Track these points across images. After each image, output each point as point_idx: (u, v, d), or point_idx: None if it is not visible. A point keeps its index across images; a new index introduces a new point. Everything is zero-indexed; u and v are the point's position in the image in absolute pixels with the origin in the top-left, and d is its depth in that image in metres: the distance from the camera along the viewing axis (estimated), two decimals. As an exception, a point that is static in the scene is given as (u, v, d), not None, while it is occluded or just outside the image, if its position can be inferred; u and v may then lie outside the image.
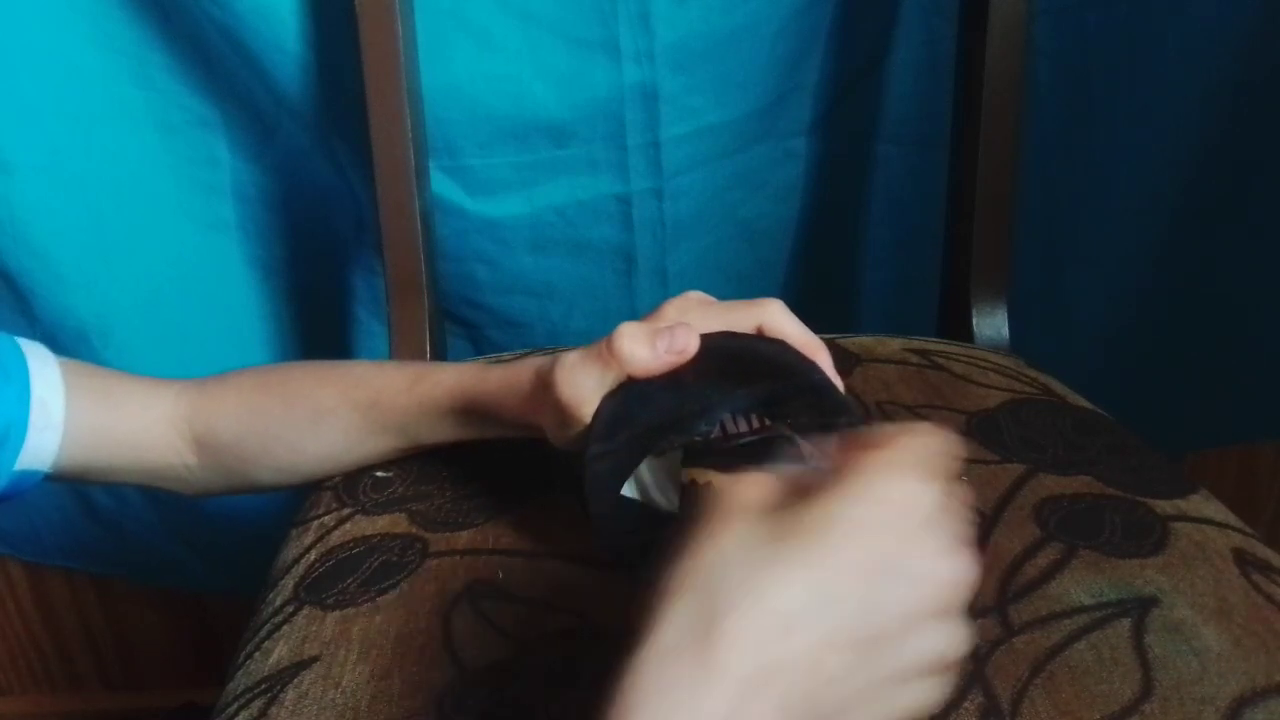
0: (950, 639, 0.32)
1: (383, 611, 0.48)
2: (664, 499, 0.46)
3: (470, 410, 0.53)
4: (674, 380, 0.45)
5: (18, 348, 0.54)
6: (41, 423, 0.53)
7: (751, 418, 0.46)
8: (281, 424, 0.57)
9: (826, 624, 0.30)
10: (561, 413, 0.46)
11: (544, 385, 0.47)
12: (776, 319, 0.47)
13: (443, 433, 0.55)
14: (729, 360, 0.45)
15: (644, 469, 0.46)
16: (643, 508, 0.46)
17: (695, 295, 0.49)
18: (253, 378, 0.60)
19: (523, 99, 0.78)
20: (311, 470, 0.59)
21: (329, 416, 0.56)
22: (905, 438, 0.32)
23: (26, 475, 0.54)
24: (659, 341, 0.44)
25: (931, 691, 0.32)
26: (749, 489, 0.33)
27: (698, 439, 0.44)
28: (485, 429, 0.54)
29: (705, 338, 0.45)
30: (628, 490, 0.45)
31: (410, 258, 0.73)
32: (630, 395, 0.45)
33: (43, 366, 0.54)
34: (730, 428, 0.46)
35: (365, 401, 0.56)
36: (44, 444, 0.53)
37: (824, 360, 0.47)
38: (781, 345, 0.47)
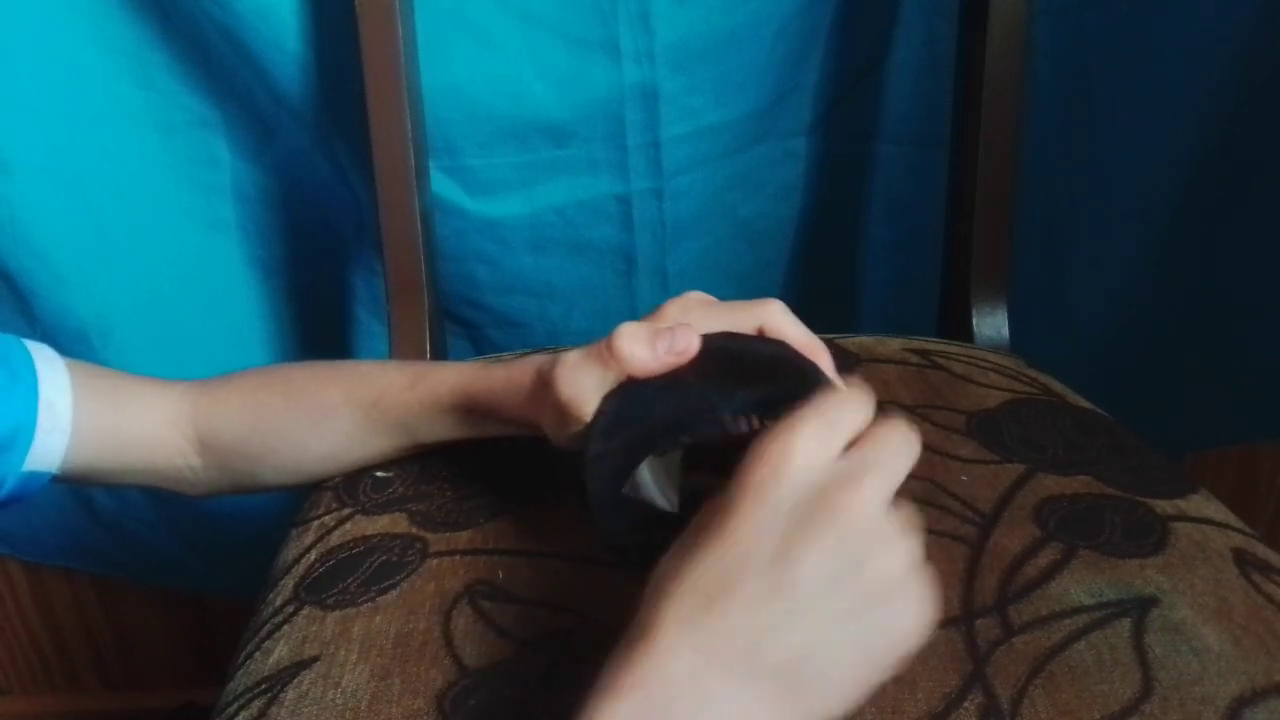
0: (896, 553, 0.33)
1: (383, 611, 0.48)
2: (664, 499, 0.46)
3: (471, 409, 0.53)
4: (674, 380, 0.45)
5: (25, 350, 0.54)
6: (49, 424, 0.53)
7: (752, 418, 0.46)
8: (285, 423, 0.57)
9: (745, 584, 0.32)
10: (561, 412, 0.46)
11: (544, 384, 0.47)
12: (777, 319, 0.47)
13: (444, 431, 0.55)
14: (729, 361, 0.45)
15: (644, 469, 0.46)
16: (643, 508, 0.46)
17: (696, 295, 0.49)
18: (255, 378, 0.60)
19: (523, 99, 0.78)
20: (315, 469, 0.59)
21: (331, 415, 0.56)
22: (810, 408, 0.35)
23: (34, 477, 0.54)
24: (659, 342, 0.44)
25: (907, 610, 0.33)
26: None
27: (698, 439, 0.44)
28: (486, 428, 0.54)
29: (706, 338, 0.45)
30: (628, 490, 0.45)
31: (410, 258, 0.73)
32: (630, 395, 0.45)
33: (50, 368, 0.54)
34: (731, 428, 0.46)
35: (367, 400, 0.56)
36: (52, 446, 0.53)
37: (825, 361, 0.47)
38: (782, 346, 0.47)
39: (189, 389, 0.58)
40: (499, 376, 0.52)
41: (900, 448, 0.35)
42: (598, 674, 0.33)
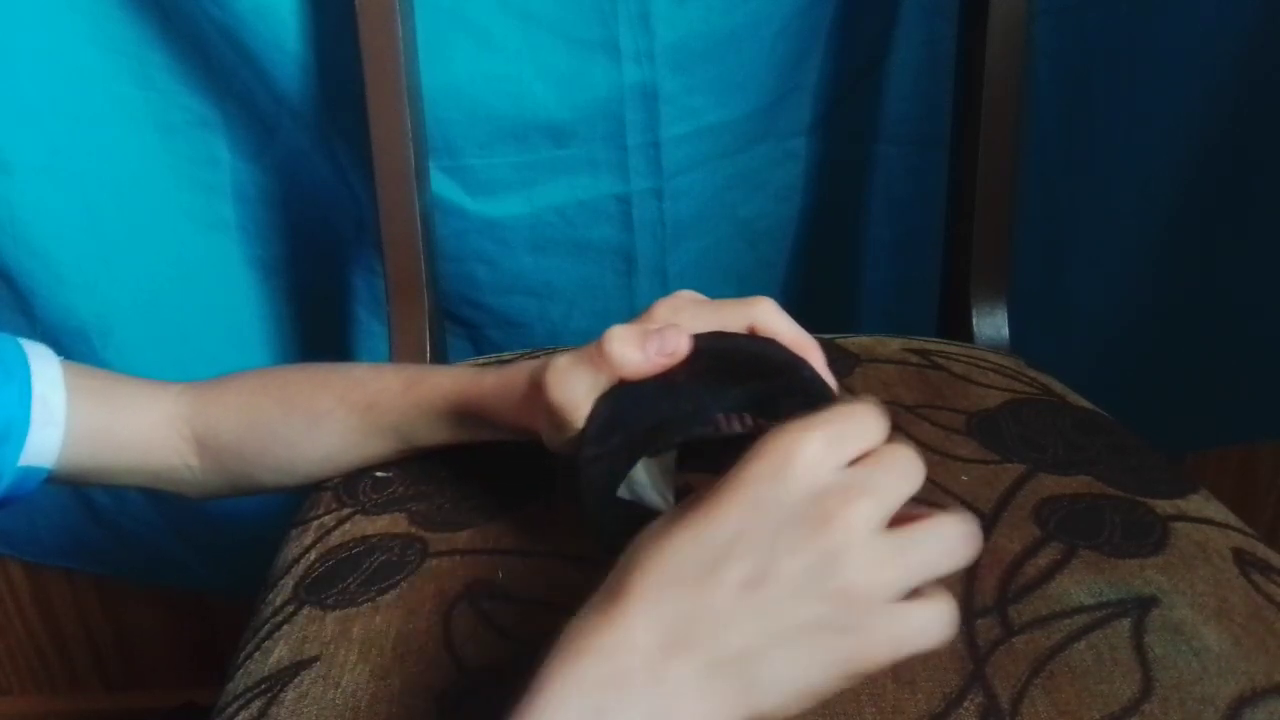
0: (878, 577, 0.32)
1: (383, 611, 0.48)
2: (659, 499, 0.46)
3: (466, 413, 0.53)
4: (666, 381, 0.45)
5: (19, 346, 0.54)
6: (43, 419, 0.53)
7: (745, 417, 0.46)
8: (281, 426, 0.57)
9: (723, 571, 0.32)
10: (554, 416, 0.46)
11: (536, 389, 0.47)
12: (768, 317, 0.47)
13: (439, 435, 0.55)
14: (720, 360, 0.45)
15: (639, 470, 0.46)
16: (639, 508, 0.46)
17: (687, 294, 0.49)
18: (252, 380, 0.60)
19: (523, 99, 0.78)
20: (311, 471, 0.59)
21: (327, 418, 0.56)
22: (823, 413, 0.34)
23: (30, 473, 0.54)
24: (649, 344, 0.44)
25: (876, 637, 0.32)
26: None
27: (692, 439, 0.44)
28: (481, 432, 0.54)
29: (696, 338, 0.45)
30: (623, 492, 0.45)
31: (410, 258, 0.73)
32: (623, 397, 0.45)
33: (44, 365, 0.54)
34: (724, 427, 0.46)
35: (363, 404, 0.56)
36: (47, 440, 0.53)
37: (816, 358, 0.47)
38: (771, 343, 0.47)
39: (185, 390, 0.58)
40: (492, 382, 0.52)
41: (905, 473, 0.34)
42: None
